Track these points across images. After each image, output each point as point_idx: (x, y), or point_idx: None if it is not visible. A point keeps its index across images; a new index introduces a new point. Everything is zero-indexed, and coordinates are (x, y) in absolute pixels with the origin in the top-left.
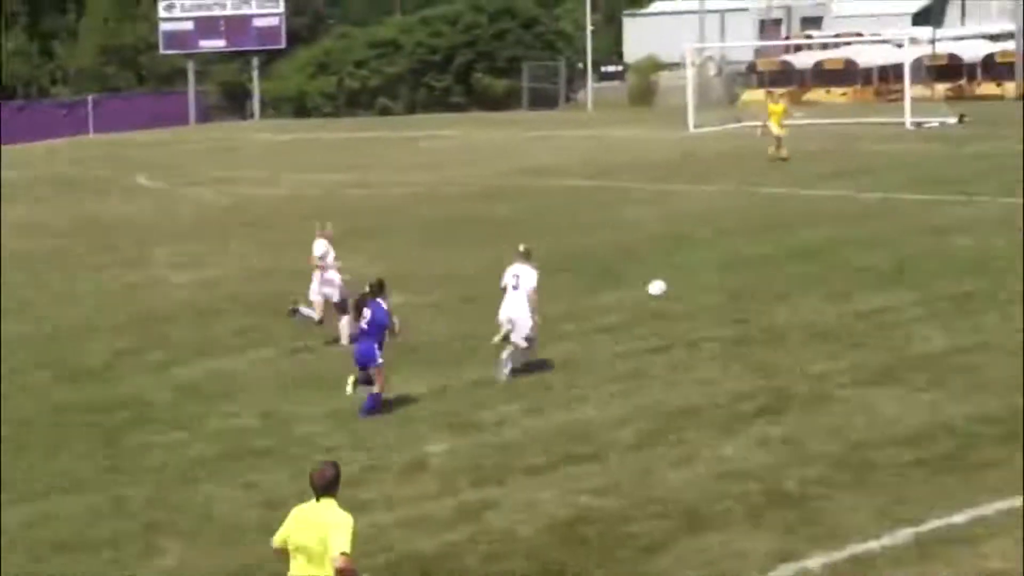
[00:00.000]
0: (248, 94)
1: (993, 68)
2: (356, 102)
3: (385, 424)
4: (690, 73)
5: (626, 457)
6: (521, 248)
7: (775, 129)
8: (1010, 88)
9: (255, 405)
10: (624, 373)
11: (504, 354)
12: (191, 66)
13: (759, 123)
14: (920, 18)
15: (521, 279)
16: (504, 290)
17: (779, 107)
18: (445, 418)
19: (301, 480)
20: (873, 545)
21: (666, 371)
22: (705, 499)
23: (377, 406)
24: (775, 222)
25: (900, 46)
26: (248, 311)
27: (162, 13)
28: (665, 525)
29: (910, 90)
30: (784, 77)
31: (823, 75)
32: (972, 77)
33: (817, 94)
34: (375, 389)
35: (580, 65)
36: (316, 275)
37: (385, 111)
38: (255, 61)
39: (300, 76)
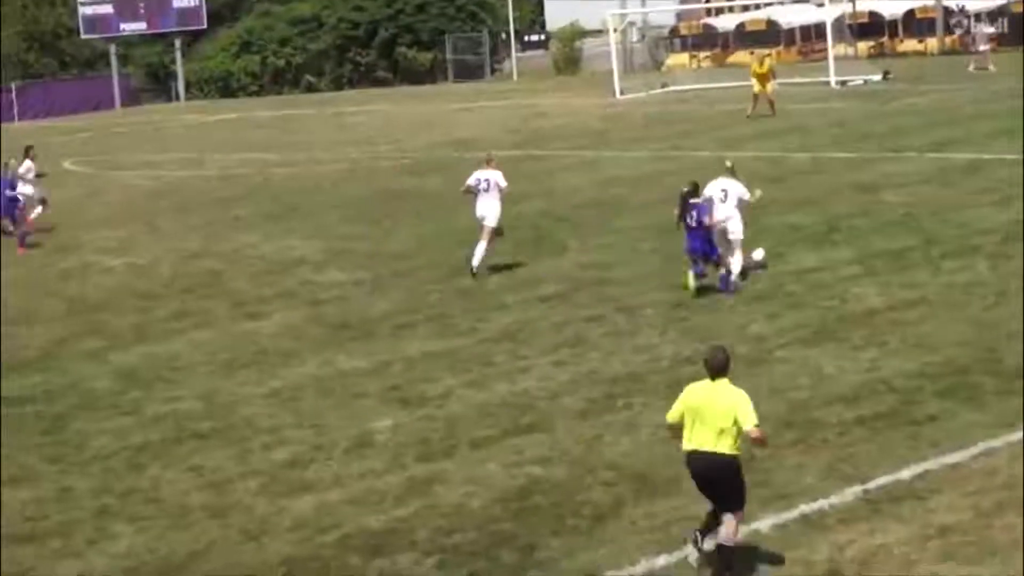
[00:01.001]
0: (172, 76)
1: (914, 24)
2: (281, 80)
3: (328, 402)
4: (613, 39)
5: (572, 426)
6: (728, 164)
7: (757, 88)
8: (932, 44)
9: (196, 388)
10: (565, 341)
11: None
12: (113, 50)
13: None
14: None
15: (729, 192)
16: (710, 201)
17: (764, 68)
18: (388, 394)
19: (245, 461)
20: (823, 504)
21: (607, 338)
22: (653, 465)
23: (727, 287)
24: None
25: (821, 5)
26: (183, 294)
27: None
28: (615, 492)
29: (833, 49)
30: (707, 40)
31: (745, 37)
32: (894, 34)
33: (740, 56)
34: (734, 267)
35: (503, 35)
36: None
37: (311, 88)
38: (177, 42)
39: (223, 56)
